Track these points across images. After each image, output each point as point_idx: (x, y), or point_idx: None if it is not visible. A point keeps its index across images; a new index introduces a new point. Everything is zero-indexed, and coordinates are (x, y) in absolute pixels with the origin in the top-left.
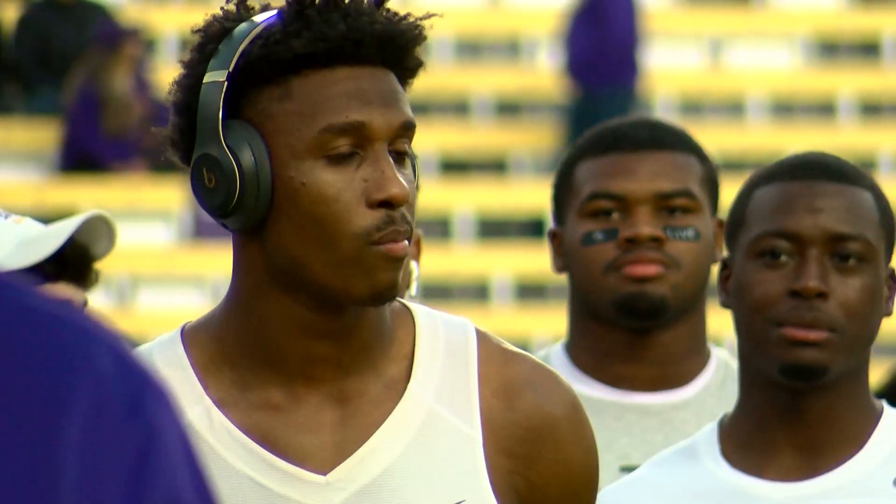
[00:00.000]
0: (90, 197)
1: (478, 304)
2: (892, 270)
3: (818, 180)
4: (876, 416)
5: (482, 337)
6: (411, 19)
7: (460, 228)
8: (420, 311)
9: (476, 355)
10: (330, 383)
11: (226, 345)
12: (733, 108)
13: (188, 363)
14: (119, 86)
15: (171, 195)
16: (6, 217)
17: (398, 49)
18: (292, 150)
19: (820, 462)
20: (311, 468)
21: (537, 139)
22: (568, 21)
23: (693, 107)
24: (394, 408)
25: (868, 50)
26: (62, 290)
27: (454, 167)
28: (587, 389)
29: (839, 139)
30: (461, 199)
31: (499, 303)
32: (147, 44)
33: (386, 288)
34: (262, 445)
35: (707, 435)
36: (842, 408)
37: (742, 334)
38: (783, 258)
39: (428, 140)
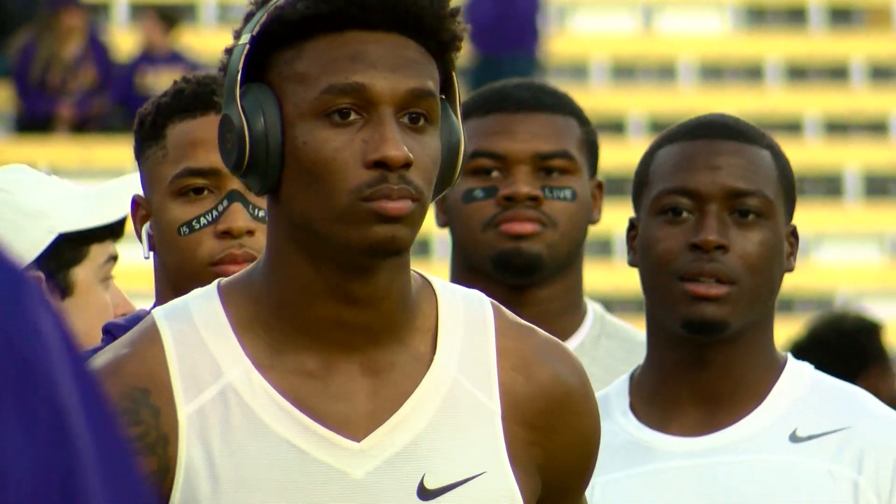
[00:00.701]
0: (45, 156)
1: None
2: (794, 227)
3: (717, 139)
4: (778, 369)
5: (497, 310)
6: None
7: None
8: (439, 284)
9: (494, 329)
10: (361, 353)
11: (261, 307)
12: (665, 73)
13: (226, 322)
14: (60, 49)
15: (126, 154)
16: (48, 174)
17: (411, 16)
18: (299, 110)
19: (721, 416)
20: (346, 435)
21: None
22: None
23: (626, 71)
24: (421, 379)
25: (794, 16)
26: (110, 245)
27: None
28: None
29: (766, 102)
30: None
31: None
32: (99, 8)
33: (381, 242)
34: (299, 410)
35: (618, 388)
36: (743, 360)
37: (647, 290)
38: (684, 214)
39: None
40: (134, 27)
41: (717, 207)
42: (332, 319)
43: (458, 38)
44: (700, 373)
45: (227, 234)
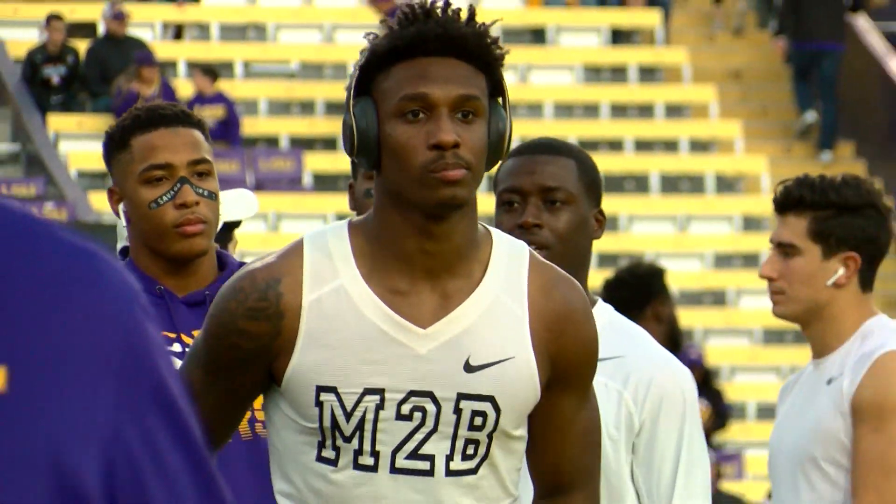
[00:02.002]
0: None
1: None
2: (601, 210)
3: (535, 154)
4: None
5: (531, 252)
6: (478, 27)
7: None
8: (495, 231)
9: (528, 263)
10: (436, 277)
11: (370, 239)
12: (534, 111)
13: (348, 246)
14: (141, 91)
15: None
16: None
17: (460, 45)
18: (387, 113)
19: None
20: (416, 325)
21: None
22: None
23: (515, 110)
24: (472, 292)
25: (618, 73)
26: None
27: None
28: None
29: (600, 131)
30: None
31: None
32: (167, 65)
33: (445, 199)
34: (387, 306)
35: None
36: None
37: None
38: (515, 205)
39: None
40: (189, 79)
41: (535, 199)
42: (417, 249)
43: (499, 58)
44: None
45: (182, 206)
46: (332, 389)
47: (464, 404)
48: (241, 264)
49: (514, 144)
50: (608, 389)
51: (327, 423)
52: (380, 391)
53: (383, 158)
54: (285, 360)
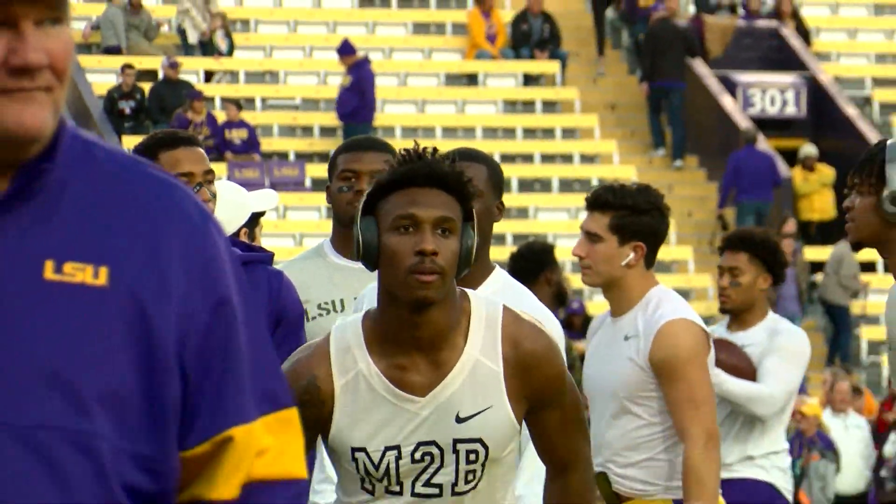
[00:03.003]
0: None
1: None
2: (501, 202)
3: (459, 160)
4: (489, 273)
5: (505, 308)
6: (457, 168)
7: None
8: (472, 296)
9: (501, 322)
10: (427, 352)
11: (376, 327)
12: (469, 134)
13: (361, 335)
14: (193, 118)
15: (218, 168)
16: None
17: (442, 181)
18: (385, 228)
19: None
20: (417, 395)
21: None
22: (340, 90)
23: (451, 131)
24: (457, 361)
25: (528, 106)
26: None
27: None
28: None
29: (516, 148)
30: None
31: None
32: (209, 100)
33: (419, 298)
34: (393, 383)
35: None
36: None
37: None
38: None
39: None
40: (222, 110)
41: None
42: (407, 334)
43: (471, 193)
44: None
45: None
46: (363, 449)
47: (459, 447)
48: (230, 240)
49: None
50: None
51: (362, 471)
52: (396, 447)
53: (381, 262)
54: (328, 427)
